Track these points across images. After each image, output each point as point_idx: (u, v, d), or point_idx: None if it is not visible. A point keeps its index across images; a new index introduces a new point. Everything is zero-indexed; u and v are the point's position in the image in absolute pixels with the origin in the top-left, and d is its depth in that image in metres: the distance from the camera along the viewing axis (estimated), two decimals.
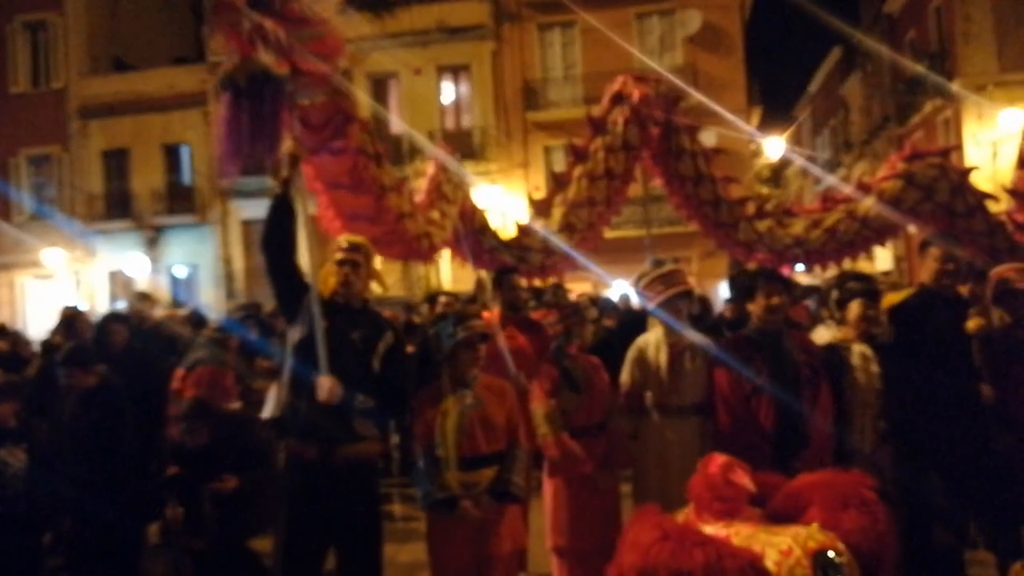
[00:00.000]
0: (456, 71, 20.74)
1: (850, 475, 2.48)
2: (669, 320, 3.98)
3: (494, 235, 4.60)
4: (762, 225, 4.51)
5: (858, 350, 3.81)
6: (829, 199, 4.69)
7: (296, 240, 3.42)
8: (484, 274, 4.79)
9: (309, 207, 3.56)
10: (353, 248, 3.56)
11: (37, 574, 4.52)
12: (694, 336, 4.07)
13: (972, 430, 3.79)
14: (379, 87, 20.82)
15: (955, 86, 17.25)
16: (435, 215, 4.26)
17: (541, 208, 4.47)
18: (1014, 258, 4.43)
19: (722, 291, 12.84)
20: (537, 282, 10.23)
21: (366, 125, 3.65)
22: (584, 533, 4.00)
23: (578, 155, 4.43)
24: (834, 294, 3.98)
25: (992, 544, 4.10)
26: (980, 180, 4.83)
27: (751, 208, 4.60)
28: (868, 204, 4.50)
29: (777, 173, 36.39)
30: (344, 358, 3.36)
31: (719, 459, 2.48)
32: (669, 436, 3.92)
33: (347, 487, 3.39)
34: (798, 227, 4.54)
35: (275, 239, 3.42)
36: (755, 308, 3.79)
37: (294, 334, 3.47)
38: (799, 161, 32.20)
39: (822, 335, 4.01)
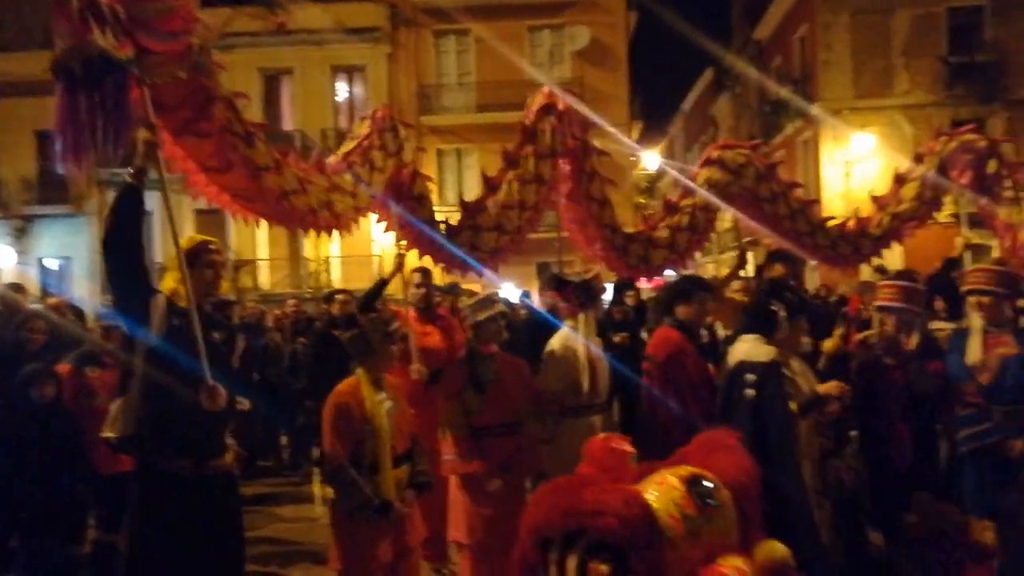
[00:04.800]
0: (351, 71, 20.74)
1: (717, 431, 2.66)
2: (583, 324, 4.27)
3: (430, 209, 4.51)
4: (638, 247, 4.88)
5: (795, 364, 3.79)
6: (670, 204, 5.04)
7: (143, 238, 3.11)
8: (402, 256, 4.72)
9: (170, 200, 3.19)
10: (217, 249, 3.45)
11: None
12: (595, 337, 4.42)
13: None
14: (272, 83, 20.50)
15: (815, 110, 18.84)
16: (345, 180, 4.04)
17: (473, 209, 4.48)
18: (815, 241, 5.07)
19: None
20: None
21: (231, 103, 3.31)
22: (479, 529, 4.02)
23: (510, 160, 4.53)
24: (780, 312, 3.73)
25: None
26: (833, 197, 5.51)
27: (632, 232, 4.98)
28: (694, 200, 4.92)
29: (652, 185, 38.15)
30: (211, 362, 3.10)
31: (598, 437, 2.59)
32: (587, 433, 4.05)
33: (217, 501, 3.29)
34: (664, 237, 4.93)
35: (122, 235, 3.05)
36: (686, 312, 4.22)
37: (143, 341, 3.16)
38: (672, 174, 33.95)
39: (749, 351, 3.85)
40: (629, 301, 7.75)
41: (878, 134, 17.97)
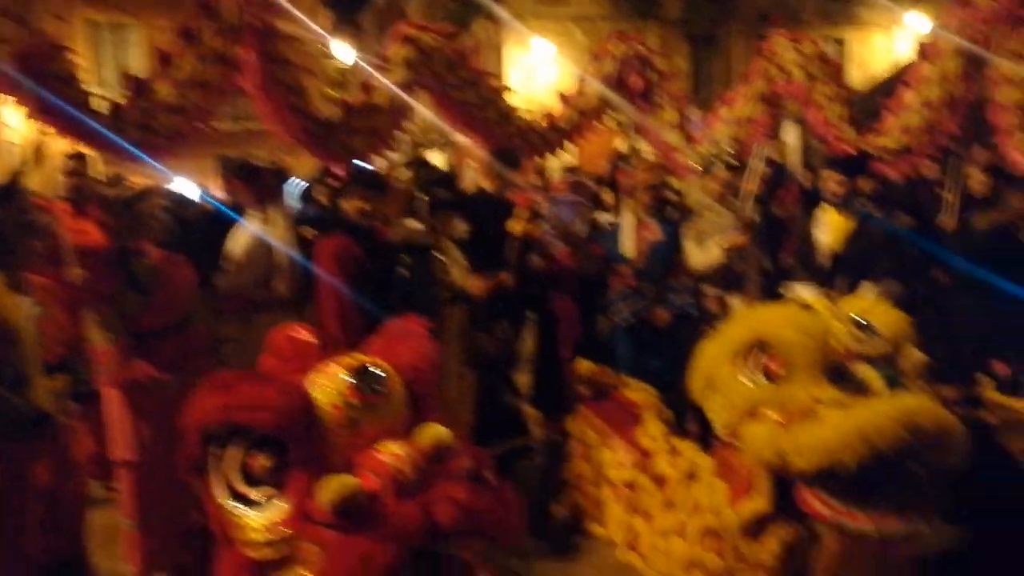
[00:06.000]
0: None
1: (405, 319, 2.69)
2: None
3: (80, 90, 4.08)
4: (339, 134, 4.87)
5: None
6: (367, 85, 5.15)
7: None
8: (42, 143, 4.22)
9: None
10: None
11: None
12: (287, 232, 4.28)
13: None
14: None
15: (500, 12, 19.45)
16: None
17: (144, 86, 4.11)
18: (505, 131, 5.44)
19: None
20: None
21: None
22: (147, 443, 3.69)
23: (186, 35, 4.19)
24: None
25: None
26: (514, 101, 5.83)
27: (332, 120, 4.94)
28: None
29: (344, 78, 37.08)
30: None
31: (280, 328, 2.53)
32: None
33: None
34: (363, 123, 5.01)
35: None
36: (349, 206, 3.99)
37: None
38: (367, 68, 33.21)
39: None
40: (322, 198, 7.60)
41: (555, 41, 19.12)
